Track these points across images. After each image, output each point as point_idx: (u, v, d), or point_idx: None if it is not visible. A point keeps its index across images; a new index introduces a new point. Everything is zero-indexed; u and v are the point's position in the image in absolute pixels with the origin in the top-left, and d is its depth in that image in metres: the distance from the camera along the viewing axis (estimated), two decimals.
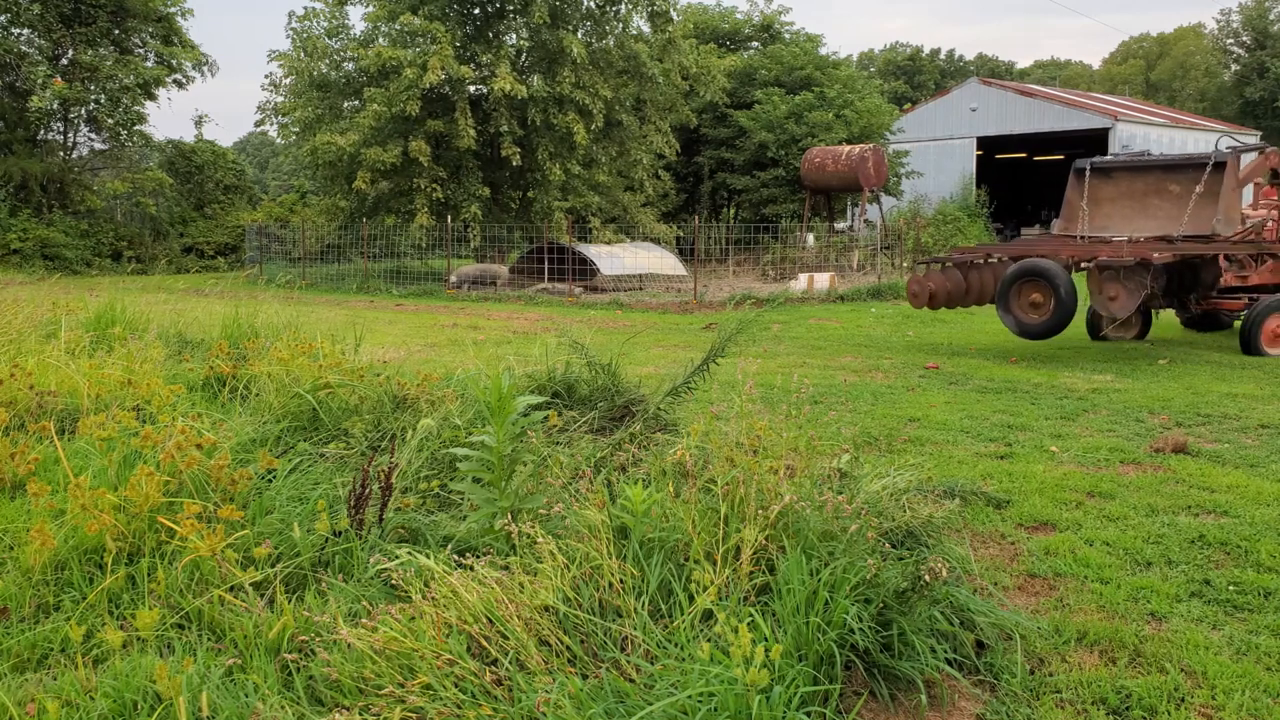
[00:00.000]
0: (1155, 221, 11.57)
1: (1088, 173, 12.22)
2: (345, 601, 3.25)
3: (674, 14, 25.05)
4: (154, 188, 30.74)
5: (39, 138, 29.66)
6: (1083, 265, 10.80)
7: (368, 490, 3.78)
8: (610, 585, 3.21)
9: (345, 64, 24.78)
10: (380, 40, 24.44)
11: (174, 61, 30.31)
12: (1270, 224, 11.90)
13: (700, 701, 2.61)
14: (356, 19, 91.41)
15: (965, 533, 4.64)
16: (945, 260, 11.78)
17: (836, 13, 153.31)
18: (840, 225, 30.16)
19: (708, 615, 3.12)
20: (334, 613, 3.10)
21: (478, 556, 3.40)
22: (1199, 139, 37.43)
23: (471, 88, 23.83)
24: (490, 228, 24.15)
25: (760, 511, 3.44)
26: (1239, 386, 8.76)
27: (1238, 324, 11.51)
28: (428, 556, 3.35)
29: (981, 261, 11.43)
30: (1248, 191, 13.16)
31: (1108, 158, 12.57)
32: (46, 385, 5.45)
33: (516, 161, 23.31)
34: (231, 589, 3.29)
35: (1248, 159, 11.64)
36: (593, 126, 23.47)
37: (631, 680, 2.84)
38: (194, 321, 8.95)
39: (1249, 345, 10.91)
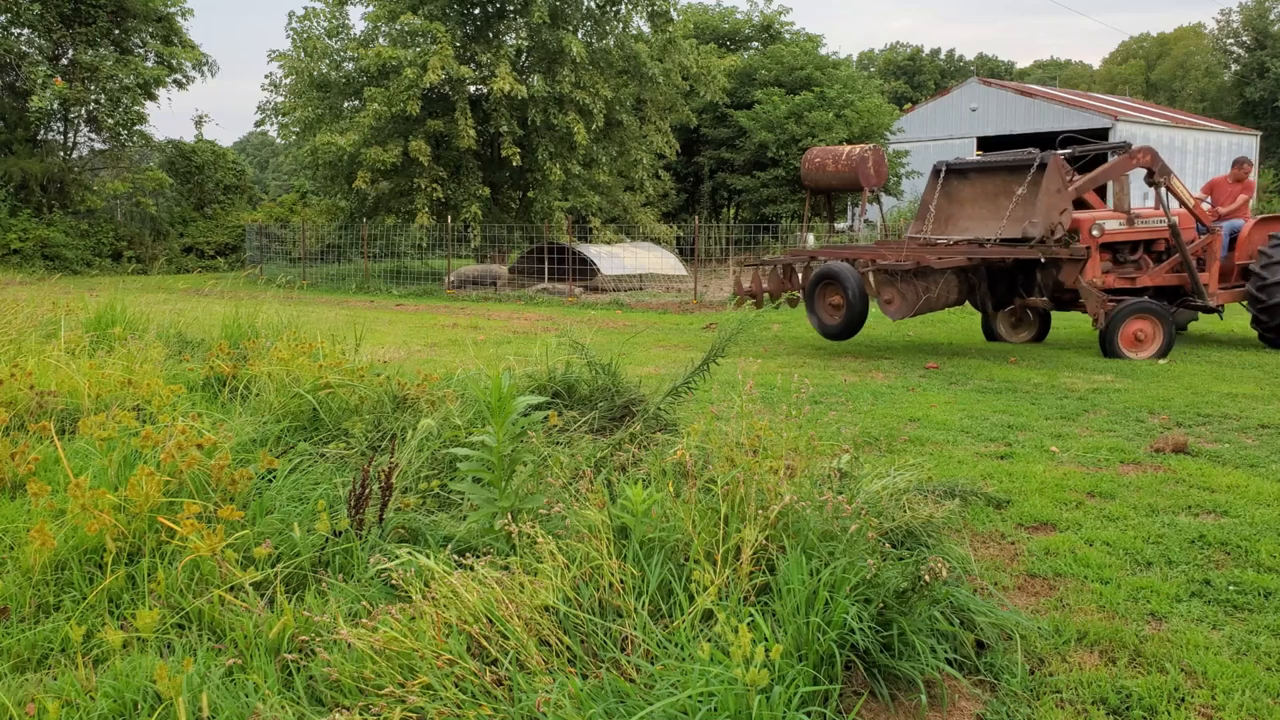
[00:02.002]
0: (1006, 223, 11.54)
1: (942, 173, 12.32)
2: (345, 601, 3.26)
3: (674, 14, 25.05)
4: (154, 188, 30.76)
5: (39, 138, 29.66)
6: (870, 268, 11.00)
7: (368, 490, 3.78)
8: (610, 585, 3.21)
9: (345, 64, 24.77)
10: (380, 40, 24.45)
11: (174, 61, 30.30)
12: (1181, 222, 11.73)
13: (700, 701, 2.61)
14: (356, 19, 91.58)
15: (965, 533, 4.64)
16: (776, 262, 12.27)
17: (836, 13, 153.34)
18: (840, 225, 30.16)
19: (708, 615, 3.12)
20: (334, 613, 3.10)
21: (478, 556, 3.40)
22: (1199, 139, 37.42)
23: (471, 88, 23.83)
24: (490, 228, 24.15)
25: (760, 511, 3.44)
26: (1239, 386, 8.76)
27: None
28: (428, 556, 3.35)
29: (807, 263, 11.86)
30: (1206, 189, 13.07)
31: (965, 158, 12.47)
32: (46, 385, 5.45)
33: (516, 161, 23.31)
34: (231, 589, 3.29)
35: (1125, 158, 11.44)
36: (593, 126, 23.47)
37: (631, 680, 2.84)
38: (194, 321, 8.95)
39: (1106, 348, 11.00)
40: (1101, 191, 12.45)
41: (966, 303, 11.96)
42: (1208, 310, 11.89)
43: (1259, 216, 12.01)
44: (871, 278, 10.77)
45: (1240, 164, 12.85)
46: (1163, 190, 11.62)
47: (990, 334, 12.63)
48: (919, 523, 4.06)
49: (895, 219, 27.33)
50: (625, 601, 3.14)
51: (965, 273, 11.20)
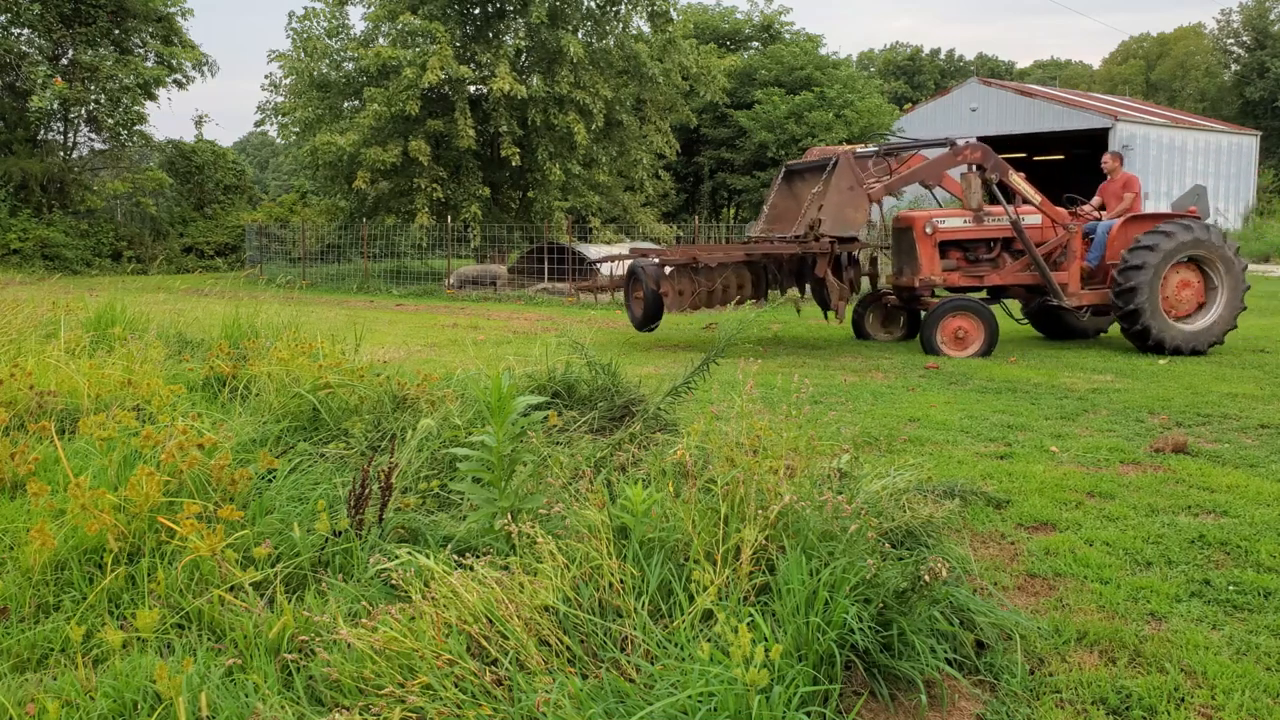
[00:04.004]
0: (801, 220, 11.84)
1: (783, 173, 12.70)
2: (345, 601, 3.26)
3: (674, 14, 25.05)
4: (154, 188, 30.76)
5: (39, 138, 29.66)
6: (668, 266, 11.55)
7: (368, 490, 3.78)
8: (610, 585, 3.21)
9: (345, 64, 24.78)
10: (380, 40, 24.45)
11: (174, 61, 30.31)
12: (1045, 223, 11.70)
13: (700, 701, 2.61)
14: (356, 19, 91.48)
15: (965, 533, 4.64)
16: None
17: (836, 13, 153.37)
18: None
19: (708, 615, 3.12)
20: (334, 613, 3.10)
21: (478, 556, 3.40)
22: (1199, 139, 37.40)
23: (471, 88, 23.83)
24: (490, 228, 24.15)
25: (760, 511, 3.44)
26: (1239, 386, 8.76)
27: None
28: (428, 556, 3.35)
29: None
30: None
31: (803, 159, 12.64)
32: (46, 385, 5.45)
33: (516, 161, 23.31)
34: (231, 589, 3.29)
35: (948, 155, 11.45)
36: (593, 126, 23.47)
37: (631, 680, 2.84)
38: (194, 321, 8.95)
39: (926, 345, 11.09)
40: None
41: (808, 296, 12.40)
42: (1068, 310, 11.78)
43: (1125, 216, 11.76)
44: (662, 274, 11.47)
45: (1104, 161, 12.60)
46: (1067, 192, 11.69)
47: (859, 332, 12.78)
48: (919, 523, 4.06)
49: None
50: (625, 601, 3.14)
51: (755, 268, 11.68)
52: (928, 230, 11.53)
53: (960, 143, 11.66)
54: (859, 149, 12.18)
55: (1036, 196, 11.65)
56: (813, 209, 11.39)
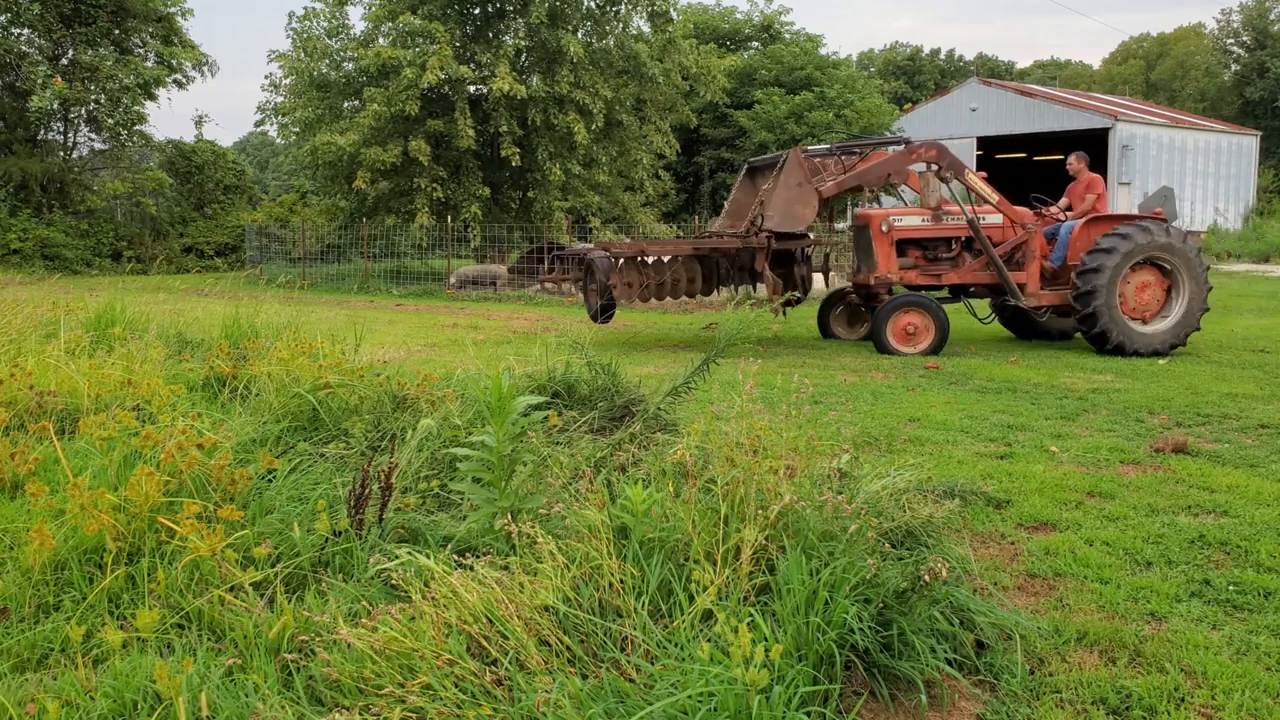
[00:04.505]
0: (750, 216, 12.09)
1: (744, 170, 12.92)
2: (345, 601, 3.25)
3: (674, 14, 25.04)
4: (154, 188, 30.74)
5: (39, 138, 29.65)
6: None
7: (368, 490, 3.78)
8: (610, 585, 3.21)
9: (345, 64, 24.77)
10: (380, 40, 24.45)
11: (174, 61, 30.30)
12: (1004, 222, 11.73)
13: (700, 701, 2.61)
14: (356, 19, 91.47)
15: (965, 533, 4.64)
16: (570, 254, 13.24)
17: (836, 13, 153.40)
18: (841, 225, 30.15)
19: (708, 615, 3.12)
20: (334, 613, 3.10)
21: (478, 556, 3.39)
22: (1199, 139, 37.39)
23: (471, 88, 23.82)
24: (490, 228, 24.15)
25: (760, 511, 3.44)
26: (1239, 386, 8.76)
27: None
28: (428, 556, 3.35)
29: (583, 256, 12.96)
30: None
31: (764, 157, 12.83)
32: (46, 385, 5.45)
33: (516, 161, 23.30)
34: (231, 589, 3.29)
35: (903, 153, 11.52)
36: (593, 126, 23.47)
37: (631, 680, 2.84)
38: (194, 321, 8.95)
39: (877, 343, 11.19)
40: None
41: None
42: (1026, 309, 11.73)
43: (1087, 217, 11.68)
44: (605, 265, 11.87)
45: (1069, 162, 12.55)
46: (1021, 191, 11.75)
47: (824, 330, 12.90)
48: (919, 523, 4.06)
49: None
50: (625, 601, 3.14)
51: (705, 262, 11.97)
52: (884, 228, 11.63)
53: (915, 141, 11.76)
54: (810, 147, 12.39)
55: (994, 196, 11.68)
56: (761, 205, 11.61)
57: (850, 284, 12.65)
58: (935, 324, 11.14)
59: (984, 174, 11.85)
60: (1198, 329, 11.27)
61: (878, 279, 11.58)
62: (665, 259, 11.89)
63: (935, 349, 11.06)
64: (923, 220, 11.67)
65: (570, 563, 3.28)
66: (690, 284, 11.98)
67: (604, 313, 12.12)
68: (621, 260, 11.66)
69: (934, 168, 11.42)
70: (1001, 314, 12.63)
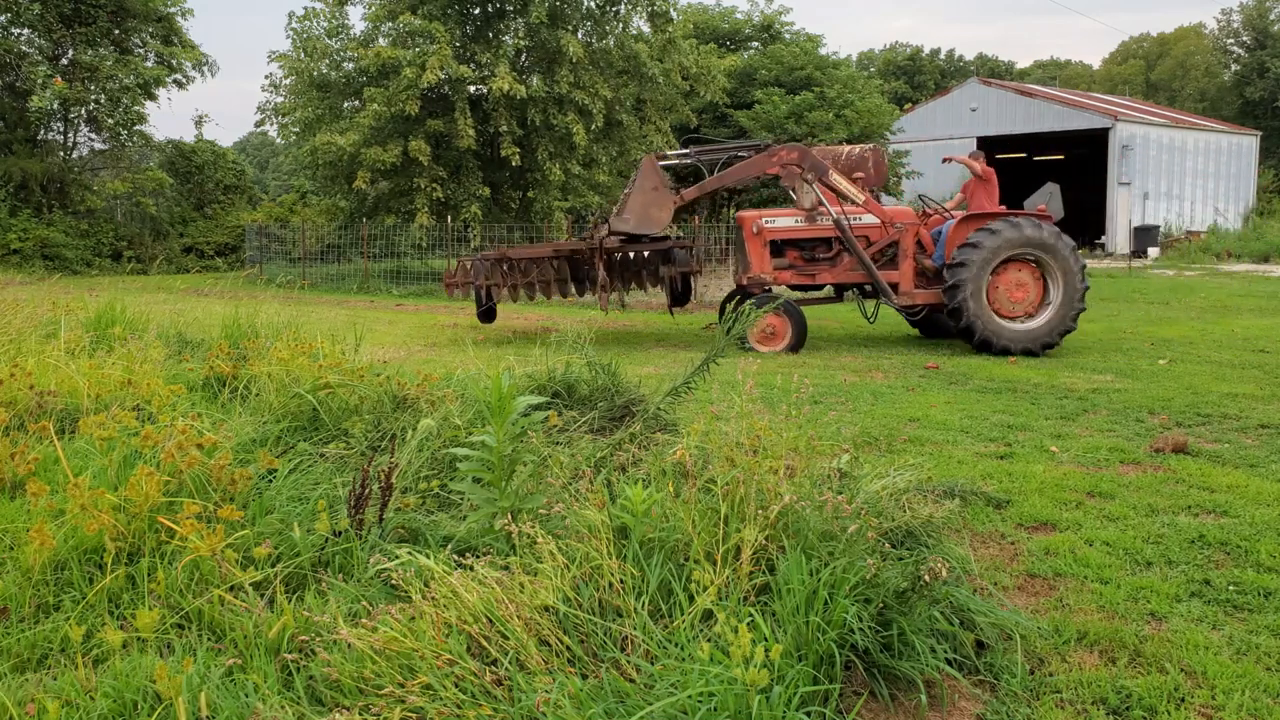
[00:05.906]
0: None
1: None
2: (345, 601, 3.25)
3: (674, 14, 25.03)
4: (154, 188, 30.70)
5: (39, 138, 29.62)
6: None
7: (368, 490, 3.78)
8: (610, 585, 3.20)
9: (345, 64, 24.75)
10: (380, 40, 24.43)
11: (174, 61, 30.27)
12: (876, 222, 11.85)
13: (700, 701, 2.61)
14: (356, 19, 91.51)
15: (965, 533, 4.64)
16: (486, 257, 13.26)
17: (836, 13, 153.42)
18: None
19: (708, 615, 3.12)
20: (334, 613, 3.10)
21: (478, 556, 3.39)
22: (1199, 139, 37.39)
23: (471, 88, 23.81)
24: (490, 228, 24.13)
25: (760, 511, 3.44)
26: (1239, 386, 8.76)
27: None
28: (428, 556, 3.35)
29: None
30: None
31: (663, 155, 12.98)
32: (46, 385, 5.45)
33: (516, 161, 23.30)
34: (231, 589, 3.29)
35: (762, 157, 11.66)
36: (593, 126, 23.46)
37: (631, 680, 2.84)
38: (194, 321, 8.95)
39: (740, 344, 11.13)
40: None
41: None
42: (897, 309, 11.80)
43: (962, 215, 11.71)
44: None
45: (966, 158, 12.64)
46: (891, 193, 11.89)
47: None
48: (919, 523, 4.06)
49: None
50: (625, 601, 3.14)
51: (572, 262, 12.44)
52: (755, 230, 11.78)
53: (775, 145, 11.92)
54: (666, 153, 12.78)
55: (860, 196, 11.81)
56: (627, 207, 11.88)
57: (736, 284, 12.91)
58: (791, 324, 11.45)
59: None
60: (1073, 329, 11.26)
61: (751, 279, 11.76)
62: (535, 261, 12.45)
63: (794, 347, 11.35)
64: (796, 221, 11.85)
65: (570, 563, 3.28)
66: (559, 284, 12.47)
67: (481, 309, 12.66)
68: (489, 263, 12.29)
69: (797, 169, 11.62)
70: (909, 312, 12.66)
